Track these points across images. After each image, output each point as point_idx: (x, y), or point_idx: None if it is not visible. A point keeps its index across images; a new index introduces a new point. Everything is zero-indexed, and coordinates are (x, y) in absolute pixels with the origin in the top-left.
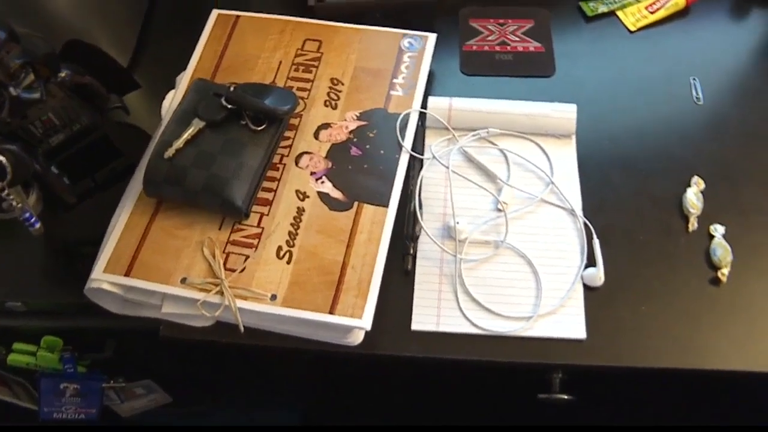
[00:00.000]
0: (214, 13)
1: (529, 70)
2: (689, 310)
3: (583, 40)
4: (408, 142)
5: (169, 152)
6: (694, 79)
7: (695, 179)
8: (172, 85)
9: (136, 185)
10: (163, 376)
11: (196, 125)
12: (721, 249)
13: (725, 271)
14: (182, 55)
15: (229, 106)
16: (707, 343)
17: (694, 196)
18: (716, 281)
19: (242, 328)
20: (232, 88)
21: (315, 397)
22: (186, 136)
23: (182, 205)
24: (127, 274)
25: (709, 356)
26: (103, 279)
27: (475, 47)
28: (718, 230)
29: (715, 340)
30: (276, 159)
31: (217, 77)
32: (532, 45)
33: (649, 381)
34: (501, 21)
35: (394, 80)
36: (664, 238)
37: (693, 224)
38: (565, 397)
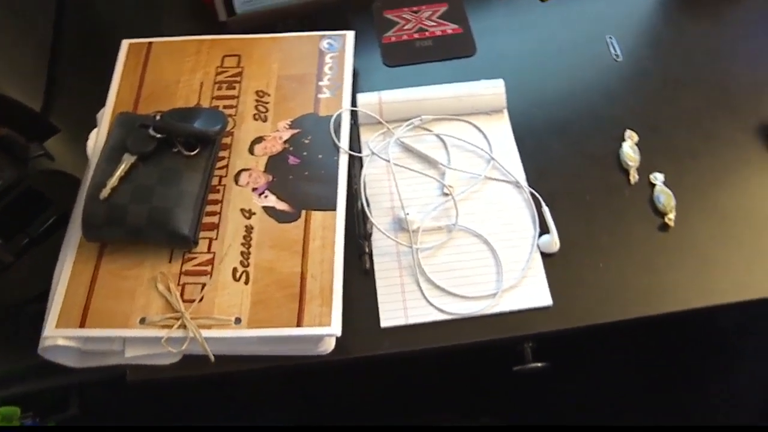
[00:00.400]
0: (125, 43)
1: (451, 52)
2: (644, 258)
3: (498, 14)
4: (344, 143)
5: (104, 192)
6: (610, 37)
7: (628, 133)
8: (94, 124)
9: (74, 232)
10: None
11: (128, 160)
12: (664, 195)
13: (671, 215)
14: (98, 90)
15: (159, 136)
16: (666, 287)
17: (630, 150)
18: (665, 227)
19: (212, 357)
20: (158, 117)
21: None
22: (119, 173)
23: (127, 245)
24: (81, 326)
25: (669, 299)
26: (56, 335)
27: (393, 38)
28: (658, 178)
29: (673, 283)
30: (215, 181)
31: (140, 108)
32: (450, 27)
33: (618, 334)
34: (415, 8)
35: (320, 83)
36: (609, 194)
37: (634, 176)
38: (539, 364)
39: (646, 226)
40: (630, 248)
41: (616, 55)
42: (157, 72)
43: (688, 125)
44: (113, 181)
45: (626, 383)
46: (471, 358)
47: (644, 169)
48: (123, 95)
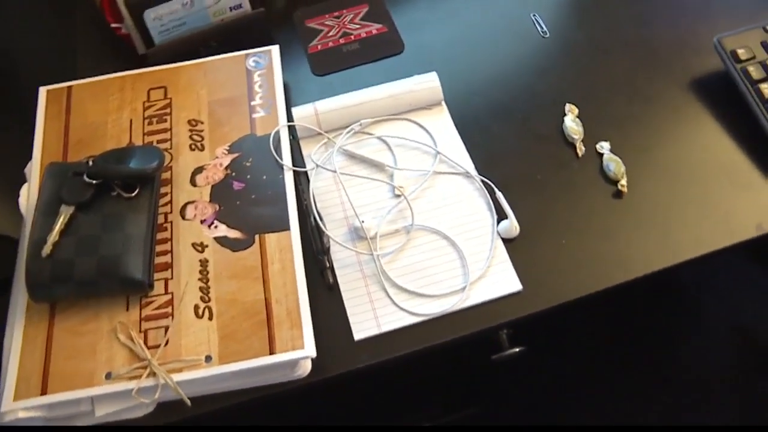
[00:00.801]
0: (42, 90)
1: (379, 52)
2: (604, 227)
3: (420, 8)
4: (287, 160)
5: (46, 249)
6: (534, 15)
7: (568, 107)
8: (23, 179)
9: (20, 296)
10: None
11: (65, 212)
12: (613, 163)
13: (623, 182)
14: (21, 144)
15: (94, 181)
16: (629, 253)
17: (573, 123)
18: (619, 194)
19: (188, 401)
20: (91, 162)
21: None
22: (58, 226)
23: (79, 299)
24: (43, 393)
25: (634, 264)
26: (16, 408)
27: (320, 46)
28: (604, 147)
29: (635, 247)
30: (161, 219)
31: (70, 156)
32: (374, 27)
33: (587, 305)
34: (336, 14)
35: (253, 103)
36: (560, 170)
37: (580, 149)
38: (517, 350)
39: (600, 196)
40: (589, 220)
41: (544, 32)
42: (82, 116)
43: (624, 91)
44: (53, 235)
45: (601, 352)
46: (448, 353)
47: (589, 140)
48: (49, 145)
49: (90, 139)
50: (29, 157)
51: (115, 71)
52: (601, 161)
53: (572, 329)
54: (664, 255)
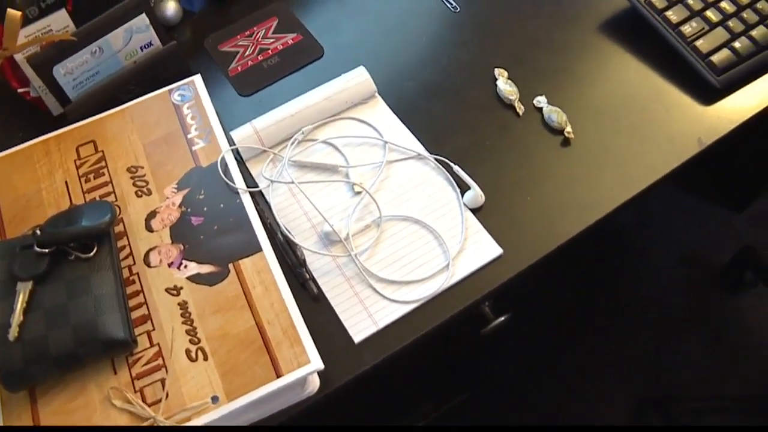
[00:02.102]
0: None
1: (300, 60)
2: (562, 176)
3: (329, 9)
4: (240, 183)
5: (13, 332)
6: None
7: (497, 71)
8: None
9: None
10: None
11: (24, 288)
12: (554, 113)
13: (569, 129)
14: None
15: (47, 250)
16: (592, 195)
17: (506, 85)
18: (567, 141)
19: None
20: (38, 232)
21: None
22: (20, 306)
23: (60, 377)
24: None
25: (599, 204)
26: None
27: (240, 68)
28: (541, 101)
29: (597, 188)
30: (125, 273)
31: (9, 233)
32: (289, 38)
33: (568, 255)
34: (247, 33)
35: (189, 135)
36: (506, 133)
37: (520, 108)
38: (503, 318)
39: (550, 147)
40: (546, 172)
41: (454, 8)
42: (11, 190)
43: (544, 46)
44: (17, 316)
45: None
46: (438, 338)
47: (526, 98)
48: None
49: (26, 212)
50: None
51: (34, 137)
52: (542, 115)
53: (540, 291)
54: (625, 188)
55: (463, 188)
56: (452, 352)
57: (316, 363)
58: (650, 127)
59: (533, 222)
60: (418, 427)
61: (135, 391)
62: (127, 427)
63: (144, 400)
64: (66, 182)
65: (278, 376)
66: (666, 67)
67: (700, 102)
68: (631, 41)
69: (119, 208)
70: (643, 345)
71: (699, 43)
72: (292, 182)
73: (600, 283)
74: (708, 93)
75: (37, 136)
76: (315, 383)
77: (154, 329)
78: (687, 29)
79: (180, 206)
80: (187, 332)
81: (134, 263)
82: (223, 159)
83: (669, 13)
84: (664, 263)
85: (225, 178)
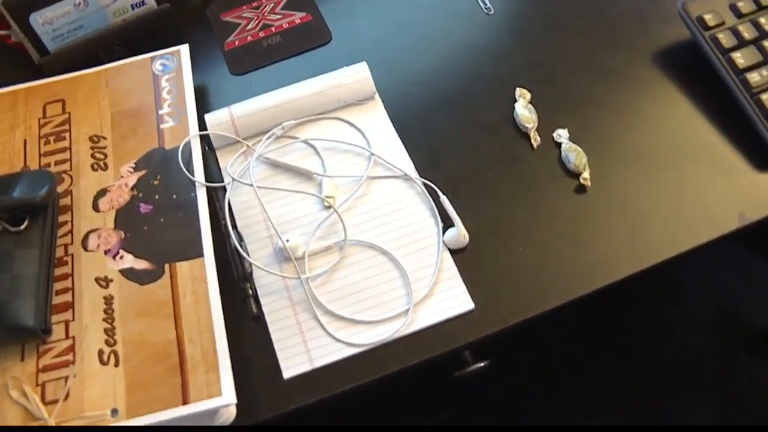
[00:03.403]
0: None
1: (304, 44)
2: (566, 229)
3: None
4: (199, 175)
5: None
6: None
7: (519, 92)
8: None
9: None
10: None
11: None
12: (573, 153)
13: (586, 174)
14: None
15: None
16: (595, 258)
17: (525, 110)
18: (581, 188)
19: None
20: None
21: None
22: None
23: None
24: None
25: (602, 271)
26: None
27: (237, 42)
28: (562, 135)
29: (603, 251)
30: (60, 252)
31: None
32: (297, 16)
33: (557, 318)
34: (255, 4)
35: (161, 111)
36: (513, 165)
37: (535, 139)
38: (481, 364)
39: (560, 192)
40: (548, 221)
41: (488, 9)
42: None
43: (580, 70)
44: None
45: (578, 334)
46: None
47: (545, 128)
48: None
49: None
50: None
51: (13, 83)
52: (560, 152)
53: (544, 343)
54: (638, 257)
55: (447, 223)
56: (427, 383)
57: (228, 398)
58: (685, 187)
59: (520, 277)
60: (418, 427)
61: (37, 384)
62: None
63: (43, 397)
64: (25, 141)
65: (185, 402)
66: (720, 118)
67: (753, 167)
68: (685, 80)
69: (71, 179)
70: (651, 399)
71: (765, 97)
72: (251, 185)
73: (617, 311)
74: (764, 159)
75: (17, 83)
76: (229, 414)
77: (73, 320)
78: (755, 78)
79: (132, 189)
80: (106, 331)
81: (71, 242)
82: (188, 144)
83: (736, 55)
84: (695, 312)
85: (183, 167)
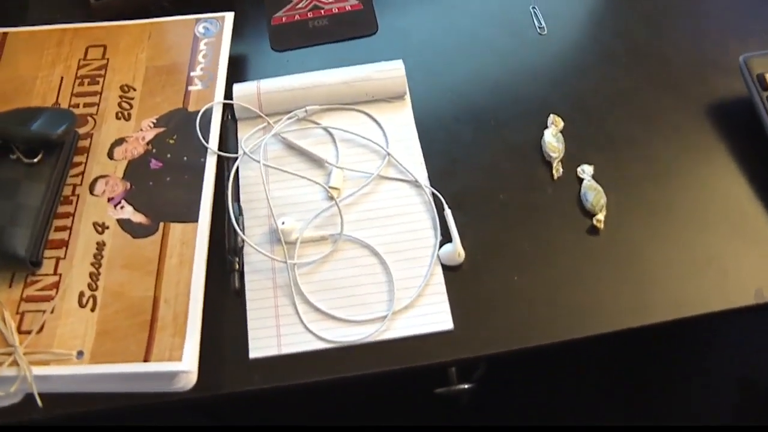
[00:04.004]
0: None
1: (348, 32)
2: (568, 268)
3: None
4: (213, 141)
5: None
6: (533, 7)
7: (552, 118)
8: None
9: None
10: None
11: None
12: (593, 192)
13: (600, 216)
14: None
15: None
16: (592, 304)
17: (553, 138)
18: (594, 230)
19: (39, 402)
20: None
21: None
22: None
23: None
24: None
25: (594, 319)
26: None
27: (284, 18)
28: (585, 171)
29: (602, 299)
30: (68, 191)
31: None
32: (349, 4)
33: (543, 357)
34: None
35: (192, 74)
36: (528, 193)
37: (557, 170)
38: (465, 386)
39: (571, 230)
40: (551, 256)
41: (541, 28)
42: (12, 67)
43: (622, 107)
44: None
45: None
46: (388, 381)
47: (570, 161)
48: None
49: (14, 94)
50: None
51: (65, 22)
52: (580, 188)
53: (555, 369)
54: (635, 313)
55: (447, 238)
56: (405, 397)
57: (187, 364)
58: (705, 250)
59: (508, 308)
60: (418, 426)
61: (17, 312)
62: None
63: (19, 326)
64: (62, 78)
65: (146, 360)
66: (761, 184)
67: None
68: (731, 138)
69: (95, 122)
70: None
71: None
72: (260, 162)
73: (636, 376)
74: None
75: (69, 22)
76: (189, 381)
77: (64, 258)
78: None
79: (148, 143)
80: (91, 275)
81: (81, 183)
82: (209, 110)
83: None
84: (714, 379)
85: (199, 132)
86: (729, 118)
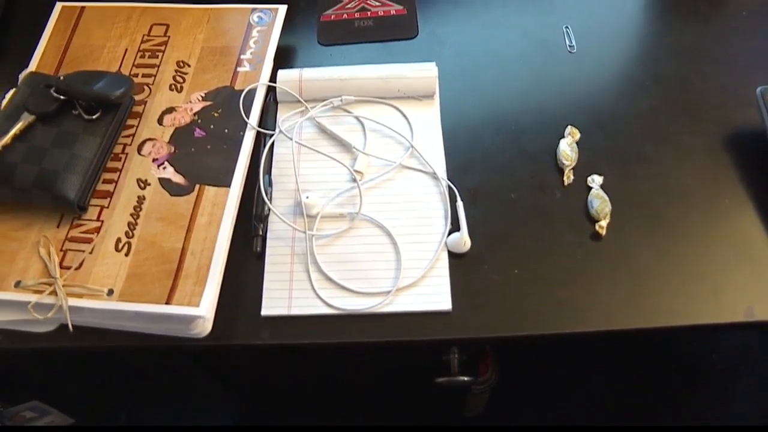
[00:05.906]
0: (58, 5)
1: (390, 34)
2: (568, 269)
3: None
4: (254, 118)
5: None
6: (566, 27)
7: (569, 129)
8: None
9: None
10: (47, 393)
11: (26, 119)
12: (598, 200)
13: (603, 223)
14: (27, 52)
15: (60, 97)
16: (585, 304)
17: (567, 147)
18: (596, 236)
19: (71, 327)
20: (62, 78)
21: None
22: (14, 131)
23: (16, 206)
24: None
25: (586, 317)
26: None
27: (333, 16)
28: (595, 181)
29: (595, 300)
30: (118, 149)
31: (61, 71)
32: (394, 8)
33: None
34: None
35: (242, 56)
36: (538, 195)
37: (568, 177)
38: (465, 378)
39: (574, 233)
40: (553, 255)
41: (571, 46)
42: (85, 36)
43: (639, 127)
44: (6, 139)
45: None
46: (390, 362)
47: (582, 170)
48: (47, 58)
49: (84, 60)
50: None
51: (135, 1)
52: (588, 195)
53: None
54: (627, 316)
55: (456, 227)
56: (404, 384)
57: (204, 310)
58: (701, 266)
59: (505, 296)
60: (417, 426)
61: (61, 250)
62: None
63: (62, 261)
64: (126, 50)
65: (167, 303)
66: (766, 212)
67: None
68: (741, 165)
69: (150, 91)
70: None
71: None
72: (292, 139)
73: (657, 407)
74: None
75: (138, 1)
76: (204, 328)
77: (107, 207)
78: None
79: (195, 114)
80: (129, 224)
81: (130, 144)
82: (253, 91)
83: None
84: (738, 405)
85: (242, 108)
86: (742, 147)
